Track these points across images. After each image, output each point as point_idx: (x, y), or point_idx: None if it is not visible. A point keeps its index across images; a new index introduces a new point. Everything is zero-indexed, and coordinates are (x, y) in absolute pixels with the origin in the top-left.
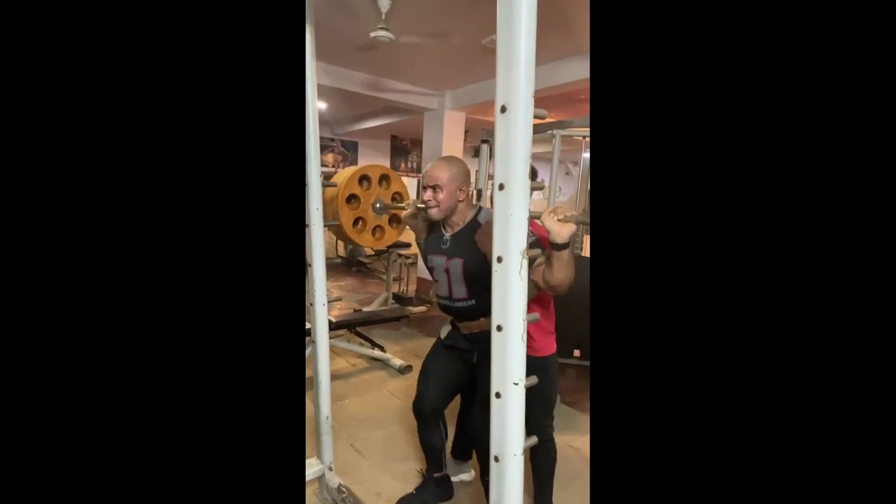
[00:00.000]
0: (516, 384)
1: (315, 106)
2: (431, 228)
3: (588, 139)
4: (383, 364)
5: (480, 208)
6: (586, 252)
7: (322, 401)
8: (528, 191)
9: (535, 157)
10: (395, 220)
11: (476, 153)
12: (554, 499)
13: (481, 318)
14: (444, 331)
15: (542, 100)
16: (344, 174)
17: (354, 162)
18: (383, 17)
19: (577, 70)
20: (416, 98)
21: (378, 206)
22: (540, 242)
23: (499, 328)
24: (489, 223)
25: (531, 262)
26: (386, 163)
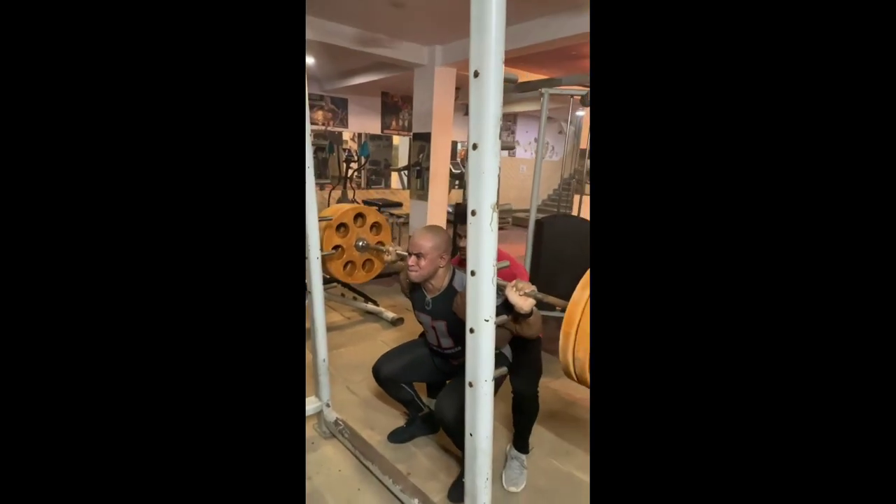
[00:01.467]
0: (487, 320)
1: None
2: (414, 286)
3: (577, 98)
4: (376, 317)
5: (455, 272)
6: (575, 212)
7: (319, 345)
8: (498, 150)
9: (527, 115)
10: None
11: (467, 111)
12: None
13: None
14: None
15: (533, 56)
16: (323, 225)
17: (345, 120)
18: None
19: (569, 25)
20: (405, 53)
21: (361, 244)
22: (509, 306)
23: (472, 273)
24: (463, 294)
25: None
26: (377, 121)
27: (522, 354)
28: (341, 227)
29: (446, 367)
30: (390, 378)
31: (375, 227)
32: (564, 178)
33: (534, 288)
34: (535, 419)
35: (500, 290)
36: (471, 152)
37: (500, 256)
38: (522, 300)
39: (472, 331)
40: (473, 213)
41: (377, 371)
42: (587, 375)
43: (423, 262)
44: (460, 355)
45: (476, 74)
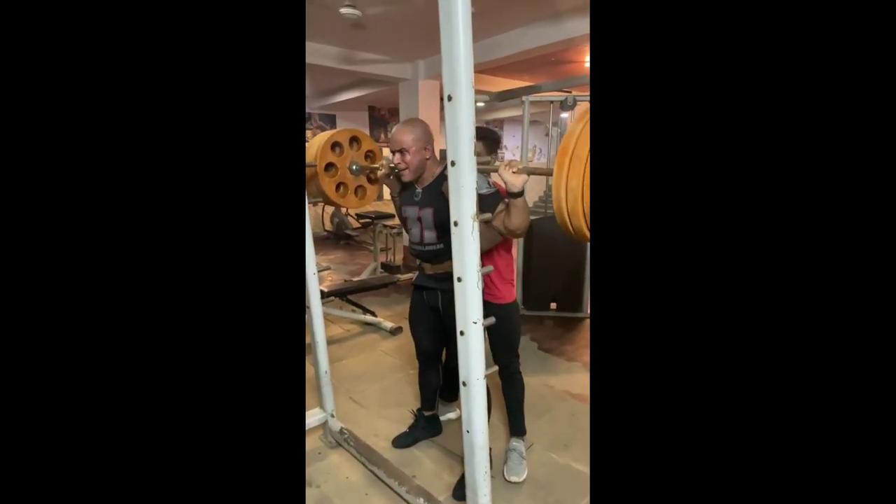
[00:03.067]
0: (475, 323)
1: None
2: (405, 185)
3: (556, 104)
4: (375, 328)
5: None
6: None
7: (321, 358)
8: (474, 165)
9: (513, 120)
10: (372, 178)
11: None
12: (529, 426)
13: (447, 261)
14: (416, 275)
15: (513, 65)
16: (315, 144)
17: None
18: None
19: (546, 34)
20: (389, 68)
21: (354, 167)
22: (500, 193)
23: (459, 279)
24: None
25: (492, 210)
26: None
27: (500, 322)
28: (336, 146)
29: (428, 281)
30: (434, 351)
31: (370, 155)
32: (547, 185)
33: (525, 165)
34: (524, 395)
35: (488, 182)
36: (450, 169)
37: (500, 185)
38: (514, 177)
39: (462, 333)
40: (456, 223)
41: (421, 352)
42: (579, 206)
43: (408, 158)
44: (441, 255)
45: (450, 98)
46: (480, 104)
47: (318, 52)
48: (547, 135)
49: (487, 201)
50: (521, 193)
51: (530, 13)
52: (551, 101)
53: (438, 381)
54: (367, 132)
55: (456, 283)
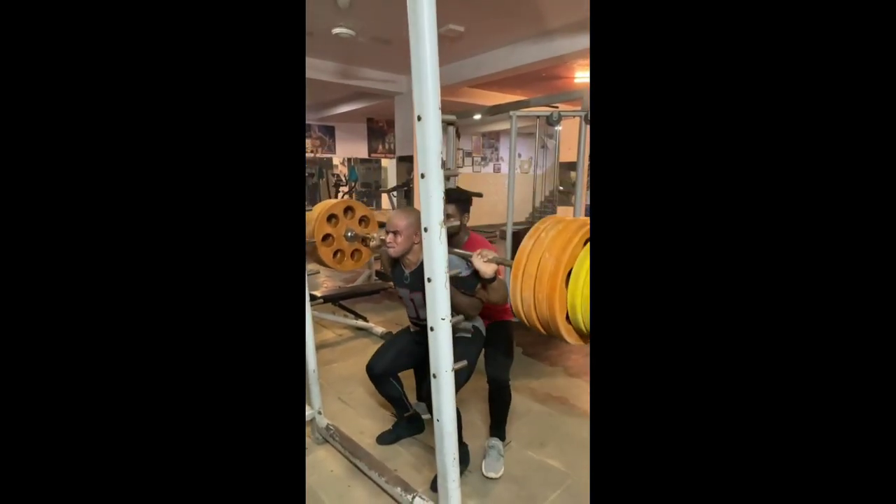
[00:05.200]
0: (443, 319)
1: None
2: (394, 263)
3: (542, 119)
4: (367, 333)
5: None
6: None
7: (309, 358)
8: (441, 178)
9: (509, 133)
10: (367, 243)
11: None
12: (508, 425)
13: None
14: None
15: (505, 80)
16: (311, 219)
17: (332, 147)
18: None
19: (535, 52)
20: (383, 83)
21: (350, 234)
22: (477, 275)
23: (429, 280)
24: None
25: (469, 292)
26: (363, 146)
27: (496, 339)
28: (332, 217)
29: (426, 340)
30: (383, 373)
31: (364, 220)
32: (543, 196)
33: (496, 255)
34: (510, 407)
35: (468, 260)
36: (420, 181)
37: (476, 242)
38: (486, 266)
39: (431, 329)
40: (426, 229)
41: (371, 368)
42: (533, 312)
43: (399, 239)
44: None
45: (419, 118)
46: (476, 118)
47: (314, 67)
48: (543, 146)
49: (468, 282)
50: (493, 279)
51: (518, 32)
52: (538, 117)
53: (398, 389)
54: (366, 143)
55: (426, 283)
